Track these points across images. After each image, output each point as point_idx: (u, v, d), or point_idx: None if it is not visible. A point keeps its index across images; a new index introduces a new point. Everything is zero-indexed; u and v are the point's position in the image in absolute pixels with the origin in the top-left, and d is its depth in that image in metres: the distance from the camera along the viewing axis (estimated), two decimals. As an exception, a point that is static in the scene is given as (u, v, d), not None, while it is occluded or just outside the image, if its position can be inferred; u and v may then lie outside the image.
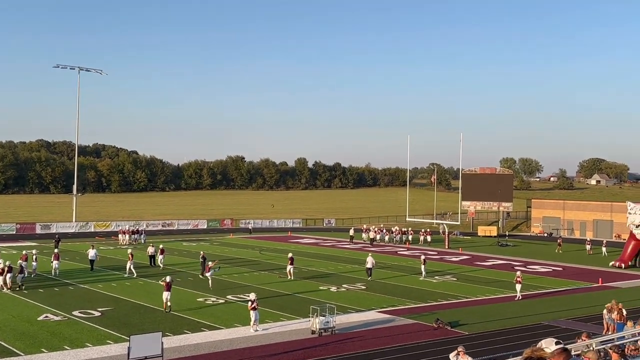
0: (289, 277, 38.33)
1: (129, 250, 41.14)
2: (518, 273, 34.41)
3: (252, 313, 25.01)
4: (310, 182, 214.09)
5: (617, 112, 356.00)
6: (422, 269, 40.44)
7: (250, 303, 25.16)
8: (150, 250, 44.28)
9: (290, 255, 40.33)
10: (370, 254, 41.92)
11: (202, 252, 42.11)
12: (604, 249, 56.68)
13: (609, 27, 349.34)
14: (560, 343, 5.22)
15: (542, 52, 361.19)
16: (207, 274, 34.74)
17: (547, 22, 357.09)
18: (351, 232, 65.97)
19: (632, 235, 49.52)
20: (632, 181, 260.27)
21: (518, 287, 33.12)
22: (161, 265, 42.10)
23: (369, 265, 39.37)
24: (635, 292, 36.44)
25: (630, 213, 48.84)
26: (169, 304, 28.27)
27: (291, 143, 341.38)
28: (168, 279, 29.24)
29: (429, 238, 65.17)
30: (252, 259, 48.68)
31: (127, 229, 62.41)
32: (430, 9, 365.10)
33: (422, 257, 42.28)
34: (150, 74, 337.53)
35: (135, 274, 38.11)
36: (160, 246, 44.81)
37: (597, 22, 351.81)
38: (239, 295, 32.13)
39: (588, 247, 58.77)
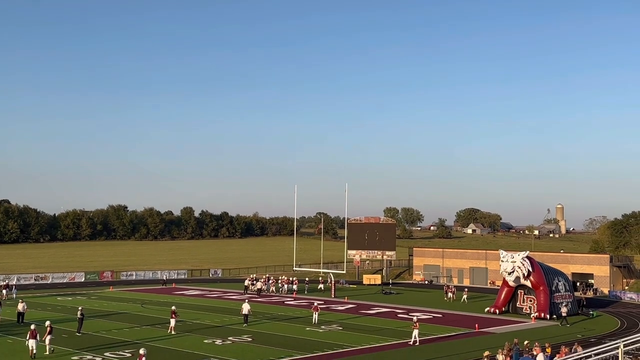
0: (171, 331, 37.15)
1: None
2: (415, 319, 37.55)
3: None
4: (197, 232, 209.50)
5: (490, 165, 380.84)
6: (315, 316, 42.59)
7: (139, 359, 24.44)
8: (20, 306, 41.28)
9: (173, 308, 39.10)
10: (246, 301, 43.98)
11: (80, 308, 39.61)
12: (464, 295, 58.90)
13: (491, 97, 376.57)
14: None
15: (422, 108, 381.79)
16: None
17: (428, 78, 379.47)
18: (246, 282, 65.53)
19: (505, 282, 52.37)
20: (504, 230, 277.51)
21: (415, 332, 35.05)
22: None
23: (244, 312, 41.56)
24: (509, 337, 38.30)
25: (502, 261, 51.59)
26: (34, 351, 28.41)
27: (177, 192, 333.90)
28: (33, 326, 29.14)
29: (321, 286, 66.96)
30: (134, 313, 46.54)
31: (-5, 283, 57.86)
32: (319, 70, 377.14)
33: (315, 303, 45.69)
34: (24, 119, 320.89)
35: None
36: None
37: (475, 85, 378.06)
38: (117, 352, 30.47)
39: (450, 294, 60.01)
